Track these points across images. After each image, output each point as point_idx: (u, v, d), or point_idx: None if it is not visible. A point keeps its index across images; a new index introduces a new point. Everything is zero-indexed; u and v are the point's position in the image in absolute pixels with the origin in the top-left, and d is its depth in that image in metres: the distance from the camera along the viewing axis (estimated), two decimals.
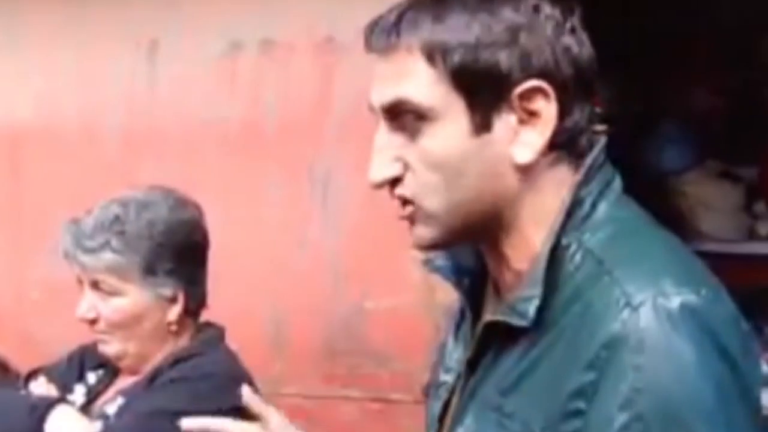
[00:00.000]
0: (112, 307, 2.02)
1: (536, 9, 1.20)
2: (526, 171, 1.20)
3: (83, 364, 2.18)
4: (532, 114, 1.19)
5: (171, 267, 2.03)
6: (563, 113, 1.20)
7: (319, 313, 2.63)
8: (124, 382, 2.11)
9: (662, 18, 3.28)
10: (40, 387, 2.12)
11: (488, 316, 1.24)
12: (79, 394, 2.14)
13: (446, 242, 1.25)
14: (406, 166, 1.22)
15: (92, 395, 2.13)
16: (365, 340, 2.59)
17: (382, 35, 1.21)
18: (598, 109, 2.73)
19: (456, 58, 1.18)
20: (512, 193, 1.21)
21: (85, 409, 2.08)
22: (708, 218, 3.26)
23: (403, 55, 1.19)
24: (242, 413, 1.96)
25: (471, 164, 1.19)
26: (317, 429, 2.63)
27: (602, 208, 1.21)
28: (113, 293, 2.02)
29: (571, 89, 1.20)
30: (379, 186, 1.23)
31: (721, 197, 3.28)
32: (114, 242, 2.00)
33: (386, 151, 1.22)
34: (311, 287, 2.62)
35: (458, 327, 1.36)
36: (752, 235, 3.28)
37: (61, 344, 2.29)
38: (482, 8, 1.19)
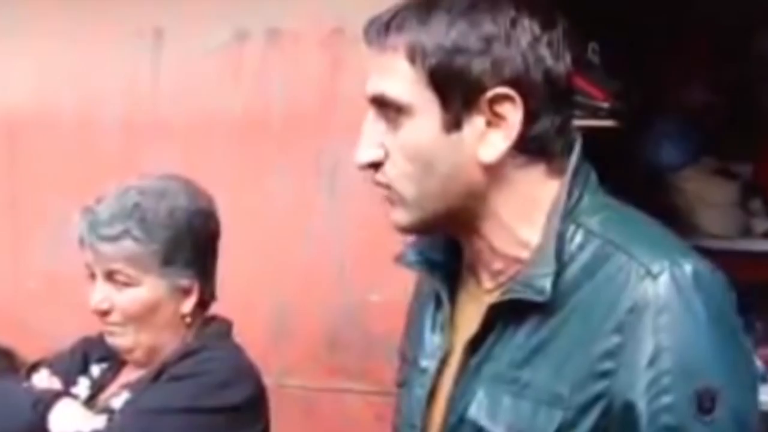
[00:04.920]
0: (127, 298, 1.98)
1: (513, 22, 1.31)
2: (491, 170, 1.32)
3: (87, 356, 2.15)
4: (500, 118, 1.31)
5: (188, 257, 2.00)
6: (531, 120, 1.31)
7: (324, 305, 2.61)
8: (129, 375, 2.07)
9: (658, 14, 3.29)
10: (43, 380, 2.09)
11: (491, 298, 1.35)
12: (83, 387, 2.10)
13: (421, 228, 1.38)
14: (387, 154, 1.34)
15: (96, 388, 2.09)
16: (370, 333, 2.57)
17: (375, 33, 1.33)
18: (605, 105, 2.74)
19: (433, 60, 1.30)
20: (479, 189, 1.33)
21: (90, 402, 2.04)
22: (704, 215, 3.27)
23: (390, 53, 1.32)
24: (243, 409, 1.96)
25: (441, 158, 1.31)
26: (320, 422, 2.62)
27: (586, 198, 1.35)
28: (129, 284, 1.98)
29: (540, 98, 1.32)
30: (364, 167, 1.35)
31: (718, 194, 3.29)
32: (134, 230, 1.96)
33: (372, 135, 1.34)
34: (316, 279, 2.60)
35: (434, 316, 1.46)
36: (748, 232, 3.30)
37: (58, 334, 2.27)
38: (463, 16, 1.31)
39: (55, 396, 1.97)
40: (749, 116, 3.33)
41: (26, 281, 2.81)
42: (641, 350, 1.24)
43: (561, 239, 1.32)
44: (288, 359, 2.59)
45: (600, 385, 1.26)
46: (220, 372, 1.96)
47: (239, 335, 2.10)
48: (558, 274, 1.30)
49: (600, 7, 3.03)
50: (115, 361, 2.10)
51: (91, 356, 2.15)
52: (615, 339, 1.25)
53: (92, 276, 2.01)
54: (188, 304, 2.02)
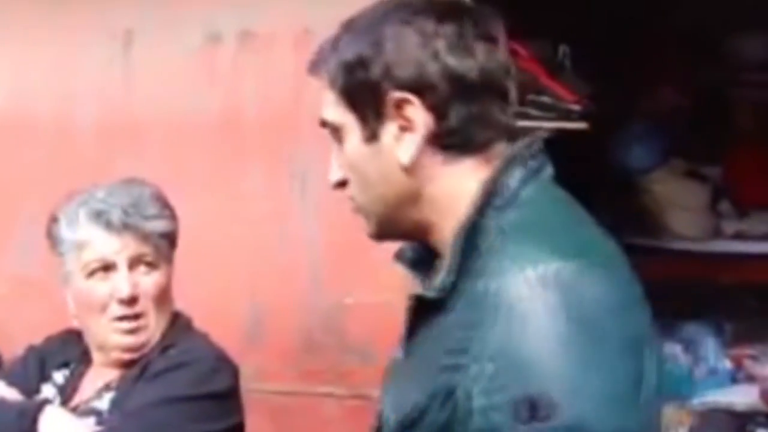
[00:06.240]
0: (152, 282, 2.01)
1: (405, 22, 1.35)
2: (413, 171, 1.36)
3: (43, 363, 2.13)
4: (409, 121, 1.35)
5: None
6: (439, 117, 1.35)
7: (299, 308, 2.60)
8: (98, 376, 2.06)
9: (628, 19, 3.32)
10: (2, 390, 2.06)
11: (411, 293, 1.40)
12: (48, 394, 2.09)
13: (386, 234, 1.44)
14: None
15: (66, 394, 2.08)
16: (345, 336, 2.57)
17: (312, 65, 1.43)
18: (576, 108, 2.75)
19: (341, 79, 1.38)
20: (412, 191, 1.37)
21: (63, 407, 2.03)
22: (674, 216, 3.31)
23: (322, 82, 1.41)
24: (235, 390, 1.97)
25: (370, 168, 1.38)
26: (295, 425, 2.61)
27: (526, 192, 1.34)
28: (154, 267, 2.01)
29: (442, 95, 1.34)
30: (336, 187, 1.44)
31: (688, 196, 3.33)
32: (166, 210, 2.04)
33: (335, 158, 1.43)
34: (290, 282, 2.59)
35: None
36: (717, 234, 3.33)
37: (30, 339, 2.24)
38: (364, 30, 1.38)
39: (39, 405, 1.96)
40: (718, 119, 3.37)
41: None
42: (488, 344, 1.23)
43: (473, 237, 1.32)
44: (263, 363, 2.57)
45: (450, 374, 1.27)
46: (207, 359, 2.00)
47: (214, 339, 2.10)
48: (460, 272, 1.30)
49: (571, 12, 3.06)
50: (78, 364, 2.10)
51: (48, 363, 2.13)
52: (470, 332, 1.26)
53: (104, 269, 2.00)
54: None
